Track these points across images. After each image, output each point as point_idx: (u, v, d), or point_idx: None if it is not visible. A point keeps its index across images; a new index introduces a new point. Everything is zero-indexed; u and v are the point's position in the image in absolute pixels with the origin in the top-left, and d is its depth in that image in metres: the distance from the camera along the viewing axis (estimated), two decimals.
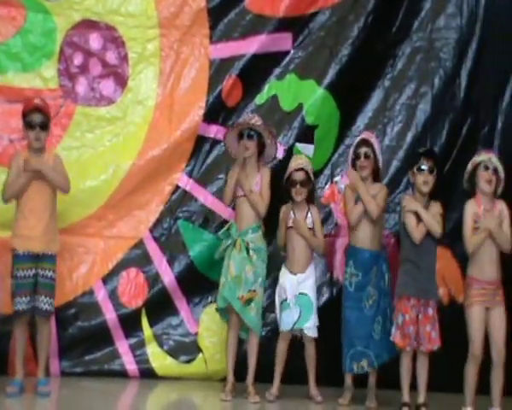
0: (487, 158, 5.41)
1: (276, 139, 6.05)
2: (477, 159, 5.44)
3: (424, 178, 5.52)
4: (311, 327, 5.87)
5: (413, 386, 5.56)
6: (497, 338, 5.34)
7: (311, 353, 5.90)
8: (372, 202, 5.73)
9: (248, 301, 5.84)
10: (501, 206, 5.45)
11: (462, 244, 5.85)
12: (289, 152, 6.35)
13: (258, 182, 5.92)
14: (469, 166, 5.46)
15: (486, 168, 5.39)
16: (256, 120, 5.92)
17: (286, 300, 5.86)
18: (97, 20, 6.41)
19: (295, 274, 5.89)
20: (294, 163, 5.92)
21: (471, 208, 5.39)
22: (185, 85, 6.46)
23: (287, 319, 5.86)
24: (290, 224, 5.92)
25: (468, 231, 5.37)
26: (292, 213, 5.92)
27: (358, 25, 6.41)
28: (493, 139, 6.38)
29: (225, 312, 5.94)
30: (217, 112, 6.43)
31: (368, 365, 5.77)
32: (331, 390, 5.92)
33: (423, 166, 5.52)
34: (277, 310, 5.90)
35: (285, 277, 5.91)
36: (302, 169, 5.88)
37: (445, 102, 6.38)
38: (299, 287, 5.88)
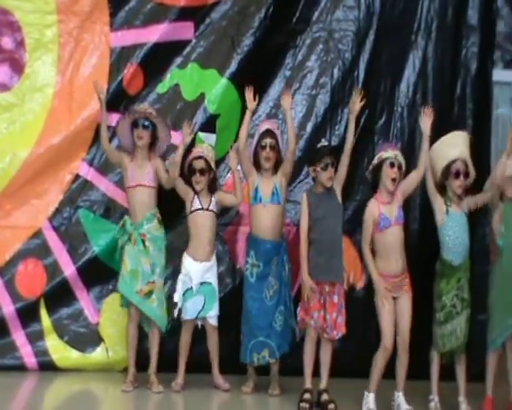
0: (393, 155, 5.52)
1: (170, 132, 6.04)
2: (384, 155, 5.53)
3: (328, 174, 5.59)
4: (214, 316, 5.90)
5: (316, 373, 5.64)
6: (402, 325, 5.48)
7: (214, 341, 5.92)
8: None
9: (148, 294, 5.82)
10: (399, 195, 5.56)
11: (361, 231, 6.00)
12: (191, 141, 6.33)
13: (150, 172, 5.90)
14: (376, 161, 5.54)
15: (392, 165, 5.51)
16: (152, 111, 5.92)
17: (191, 288, 5.86)
18: None
19: (200, 262, 5.89)
20: (194, 151, 5.92)
21: (371, 210, 5.49)
22: (85, 73, 6.37)
23: (191, 308, 5.85)
24: (192, 208, 5.90)
25: (365, 236, 5.49)
26: (196, 198, 5.91)
27: (260, 15, 6.46)
28: (390, 130, 6.55)
29: (129, 304, 5.91)
30: (118, 100, 6.34)
31: (269, 355, 5.83)
32: (235, 378, 5.97)
33: (327, 163, 5.59)
34: (179, 299, 5.87)
35: (190, 264, 5.90)
36: (201, 157, 5.88)
37: (344, 93, 6.51)
38: (204, 275, 5.89)
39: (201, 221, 5.89)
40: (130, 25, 6.41)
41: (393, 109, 6.56)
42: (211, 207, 5.92)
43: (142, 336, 5.98)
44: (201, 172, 5.87)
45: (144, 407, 5.69)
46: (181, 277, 5.90)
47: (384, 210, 5.50)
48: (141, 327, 5.96)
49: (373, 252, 5.51)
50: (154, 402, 5.71)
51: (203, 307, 5.87)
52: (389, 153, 5.53)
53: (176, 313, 5.87)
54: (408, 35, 6.58)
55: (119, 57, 6.39)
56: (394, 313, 5.46)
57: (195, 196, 5.91)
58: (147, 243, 5.86)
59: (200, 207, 5.89)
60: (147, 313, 5.84)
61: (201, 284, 5.88)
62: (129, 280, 5.81)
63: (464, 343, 5.60)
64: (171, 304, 5.93)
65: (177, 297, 5.86)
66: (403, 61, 6.58)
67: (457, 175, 5.59)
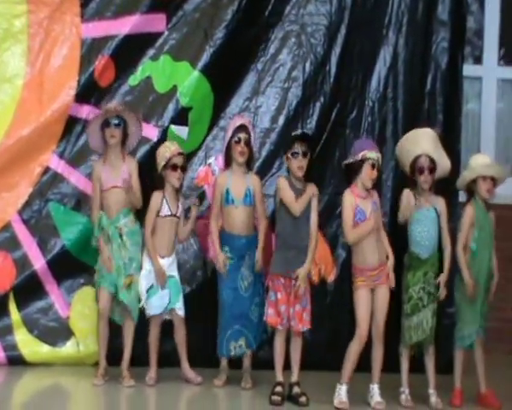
0: (376, 157, 5.54)
1: (141, 126, 6.00)
2: (368, 154, 5.52)
3: (298, 163, 5.58)
4: (181, 307, 5.89)
5: (288, 366, 5.64)
6: (378, 317, 5.52)
7: (181, 334, 5.90)
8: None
9: (129, 286, 5.80)
10: (376, 196, 5.63)
11: (332, 225, 6.06)
12: (164, 134, 6.32)
13: (125, 171, 5.86)
14: (359, 157, 5.52)
15: (373, 167, 5.54)
16: (122, 107, 5.88)
17: (154, 285, 5.83)
18: None
19: (163, 258, 5.87)
20: (174, 148, 5.87)
21: (349, 199, 5.51)
22: (55, 64, 6.29)
23: (157, 304, 5.84)
24: (162, 214, 5.86)
25: (348, 222, 5.49)
26: (164, 200, 5.86)
27: (233, 8, 6.42)
28: (361, 124, 6.57)
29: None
30: (89, 92, 6.29)
31: (246, 345, 5.84)
32: (206, 372, 5.96)
33: (297, 151, 5.58)
34: (143, 295, 5.84)
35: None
36: (182, 154, 5.87)
37: (316, 87, 6.52)
38: (168, 269, 5.87)
39: (169, 226, 5.88)
40: (101, 16, 6.35)
41: (364, 103, 6.56)
42: (178, 214, 5.91)
43: (114, 331, 5.94)
44: (182, 168, 5.86)
45: (115, 401, 5.66)
46: (143, 273, 5.87)
47: (360, 203, 5.53)
48: (111, 321, 5.93)
49: (348, 246, 5.54)
50: (125, 396, 5.69)
51: (169, 300, 5.85)
52: (373, 154, 5.54)
53: (141, 307, 5.84)
54: (379, 29, 6.59)
55: (90, 49, 6.32)
56: (371, 304, 5.49)
57: (164, 201, 5.87)
58: (124, 238, 5.82)
59: (169, 213, 5.87)
60: (130, 306, 5.81)
61: (166, 278, 5.85)
62: (115, 276, 5.79)
63: (432, 336, 5.65)
64: None
65: (141, 293, 5.84)
66: (374, 56, 6.59)
67: (422, 171, 5.64)
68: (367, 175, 5.52)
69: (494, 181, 5.76)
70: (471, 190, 5.76)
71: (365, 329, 5.47)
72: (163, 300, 5.84)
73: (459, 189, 5.96)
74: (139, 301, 5.85)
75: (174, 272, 5.91)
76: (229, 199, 5.83)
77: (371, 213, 5.54)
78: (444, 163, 5.74)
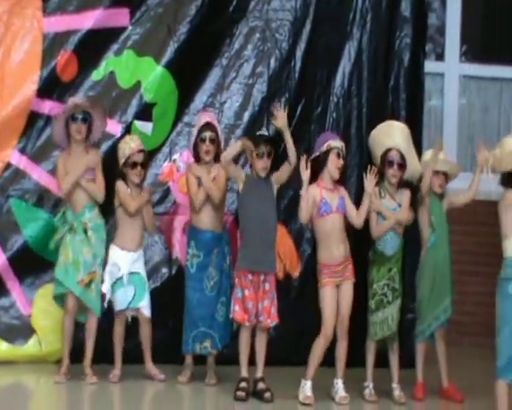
0: (341, 146, 5.58)
1: (106, 119, 5.96)
2: (332, 143, 5.55)
3: (263, 164, 5.58)
4: (146, 306, 5.86)
5: (252, 361, 5.64)
6: (343, 312, 5.54)
7: (146, 332, 5.87)
8: (214, 188, 5.75)
9: (89, 284, 5.75)
10: (343, 192, 5.65)
11: (297, 221, 6.05)
12: (127, 130, 6.27)
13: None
14: (324, 148, 5.54)
15: (339, 156, 5.56)
16: (87, 102, 5.82)
17: (120, 278, 5.80)
18: None
19: (128, 252, 5.83)
20: (134, 144, 5.82)
21: (313, 191, 5.51)
22: (16, 59, 6.21)
23: (122, 298, 5.80)
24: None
25: (301, 212, 5.46)
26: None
27: (196, 3, 6.39)
28: (326, 119, 6.58)
29: (61, 298, 5.82)
30: (51, 87, 6.22)
31: (211, 346, 5.82)
32: (171, 368, 5.93)
33: (262, 152, 5.57)
34: (107, 290, 5.80)
35: (118, 255, 5.83)
36: (143, 151, 5.83)
37: (281, 83, 6.52)
38: (133, 265, 5.84)
39: (133, 219, 5.83)
40: (63, 10, 6.28)
41: (329, 99, 6.58)
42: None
43: (76, 328, 5.88)
44: (143, 165, 5.83)
45: (78, 399, 5.61)
46: (108, 268, 5.83)
47: (326, 196, 5.54)
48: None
49: (314, 240, 5.54)
50: (88, 394, 5.64)
51: (133, 297, 5.82)
52: (337, 143, 5.58)
53: (105, 304, 5.81)
54: (344, 25, 6.61)
55: (53, 43, 6.25)
56: (336, 300, 5.51)
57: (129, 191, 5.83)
58: (89, 233, 5.78)
59: None
60: (87, 303, 5.76)
61: (130, 274, 5.83)
62: (71, 271, 5.71)
63: (396, 332, 5.69)
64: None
65: (105, 288, 5.80)
66: (339, 52, 6.61)
67: (391, 164, 5.67)
68: (333, 165, 5.54)
69: (446, 177, 5.82)
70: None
71: (331, 328, 5.49)
72: (127, 295, 5.80)
73: (412, 181, 5.98)
74: (102, 298, 5.80)
75: (140, 269, 5.88)
76: None
77: (338, 207, 5.55)
78: (414, 163, 5.77)
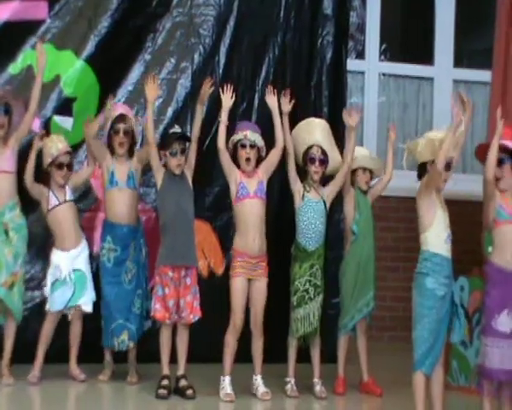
0: (243, 136, 5.58)
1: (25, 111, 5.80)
2: (235, 138, 5.60)
3: (177, 161, 5.56)
4: (86, 302, 5.79)
5: (174, 359, 5.62)
6: (256, 309, 5.56)
7: (77, 330, 5.80)
8: None
9: (11, 286, 5.62)
10: (262, 175, 5.63)
11: (222, 218, 6.05)
12: (46, 125, 6.15)
13: (10, 157, 5.65)
14: (230, 145, 5.60)
15: (243, 146, 5.57)
16: (7, 94, 5.69)
17: (59, 279, 5.72)
18: None
19: (68, 251, 5.76)
20: (61, 145, 5.72)
21: (234, 175, 5.56)
22: None
23: (59, 299, 5.72)
24: (50, 206, 5.76)
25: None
26: (50, 192, 5.75)
27: None
28: (251, 115, 6.58)
29: None
30: None
31: (128, 338, 5.77)
32: (90, 367, 5.86)
33: (176, 150, 5.56)
34: (48, 291, 5.74)
35: (59, 256, 5.76)
36: (69, 152, 5.76)
37: (205, 78, 6.42)
38: (74, 262, 5.77)
39: (62, 215, 5.77)
40: None
41: (254, 95, 6.60)
42: (67, 198, 5.79)
43: None
44: (68, 167, 5.76)
45: None
46: (50, 271, 5.76)
47: (244, 180, 5.56)
48: None
49: (233, 227, 5.55)
50: (4, 395, 5.49)
51: (72, 295, 5.74)
52: (239, 135, 5.61)
53: (47, 307, 5.73)
54: (268, 22, 6.63)
55: None
56: (246, 292, 5.52)
57: (50, 192, 5.75)
58: (11, 233, 5.64)
59: (57, 202, 5.76)
60: (9, 305, 5.62)
61: (72, 271, 5.75)
62: None
63: (317, 328, 5.74)
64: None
65: (46, 291, 5.75)
66: (263, 48, 6.62)
67: (313, 161, 5.71)
68: (241, 157, 5.58)
69: (371, 173, 5.93)
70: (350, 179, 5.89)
71: (240, 317, 5.50)
72: (65, 295, 5.72)
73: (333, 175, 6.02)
74: (23, 301, 5.70)
75: (81, 265, 5.80)
76: (113, 181, 5.78)
77: (256, 192, 5.56)
78: (335, 157, 5.83)
